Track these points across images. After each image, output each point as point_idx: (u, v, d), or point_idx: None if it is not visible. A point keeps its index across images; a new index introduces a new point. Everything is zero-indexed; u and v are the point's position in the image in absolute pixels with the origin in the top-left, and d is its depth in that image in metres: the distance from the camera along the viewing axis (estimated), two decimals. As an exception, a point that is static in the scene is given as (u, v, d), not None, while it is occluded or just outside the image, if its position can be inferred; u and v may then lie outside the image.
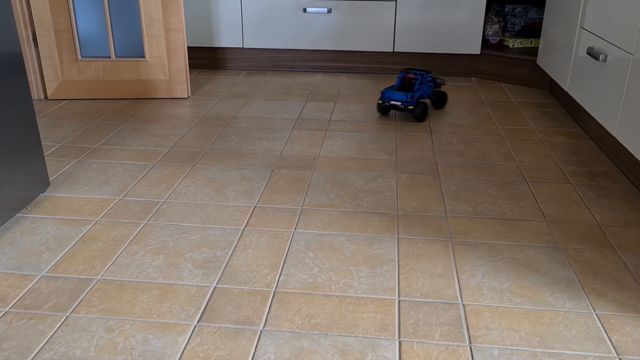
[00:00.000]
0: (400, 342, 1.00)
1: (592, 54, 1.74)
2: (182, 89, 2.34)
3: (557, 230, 1.38)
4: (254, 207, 1.47)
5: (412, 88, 2.13)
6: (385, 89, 2.14)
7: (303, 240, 1.33)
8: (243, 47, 2.76)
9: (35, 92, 2.30)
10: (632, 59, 1.50)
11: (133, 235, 1.34)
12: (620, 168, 1.72)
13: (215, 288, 1.15)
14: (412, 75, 2.14)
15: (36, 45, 2.24)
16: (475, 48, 2.64)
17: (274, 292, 1.14)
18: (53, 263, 1.23)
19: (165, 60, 2.29)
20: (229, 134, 1.97)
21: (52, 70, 2.27)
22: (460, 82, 2.64)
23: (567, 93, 2.16)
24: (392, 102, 2.11)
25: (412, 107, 2.08)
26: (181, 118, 2.13)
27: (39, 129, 1.99)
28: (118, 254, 1.26)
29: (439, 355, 0.98)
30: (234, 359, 0.96)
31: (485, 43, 2.70)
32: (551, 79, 2.47)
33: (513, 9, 2.72)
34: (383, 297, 1.13)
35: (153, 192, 1.55)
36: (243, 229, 1.37)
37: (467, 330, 1.04)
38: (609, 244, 1.32)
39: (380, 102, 2.13)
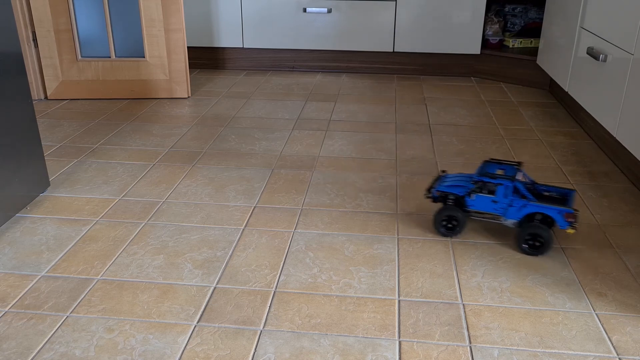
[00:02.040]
0: (400, 342, 1.00)
1: (592, 54, 1.74)
2: (182, 89, 2.34)
3: (557, 230, 1.38)
4: (254, 207, 1.47)
5: (536, 189, 1.34)
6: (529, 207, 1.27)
7: (303, 240, 1.32)
8: (243, 47, 2.76)
9: (35, 92, 2.30)
10: (632, 59, 1.50)
11: (133, 235, 1.34)
12: (620, 168, 1.72)
13: (215, 288, 1.15)
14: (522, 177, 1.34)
15: (36, 45, 2.24)
16: (475, 48, 2.64)
17: (274, 292, 1.14)
18: (53, 263, 1.23)
19: (165, 60, 2.29)
20: (229, 134, 1.97)
21: (52, 70, 2.27)
22: (460, 82, 2.64)
23: (567, 93, 2.16)
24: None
25: None
26: (181, 118, 2.13)
27: (39, 129, 1.99)
28: (118, 254, 1.26)
29: (439, 355, 0.98)
30: (234, 359, 0.96)
31: (485, 43, 2.70)
32: (551, 79, 2.47)
33: (513, 9, 2.72)
34: (383, 297, 1.13)
35: (153, 192, 1.55)
36: (243, 229, 1.37)
37: (467, 330, 1.04)
38: (609, 244, 1.32)
39: (571, 230, 1.26)
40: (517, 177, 1.29)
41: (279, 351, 0.98)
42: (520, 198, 1.27)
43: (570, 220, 1.24)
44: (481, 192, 1.30)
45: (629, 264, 1.24)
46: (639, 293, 1.15)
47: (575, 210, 1.24)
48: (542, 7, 2.68)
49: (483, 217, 1.33)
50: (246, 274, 1.20)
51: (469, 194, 1.30)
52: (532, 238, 1.26)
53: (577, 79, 1.93)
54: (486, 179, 1.29)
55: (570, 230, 1.25)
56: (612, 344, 1.01)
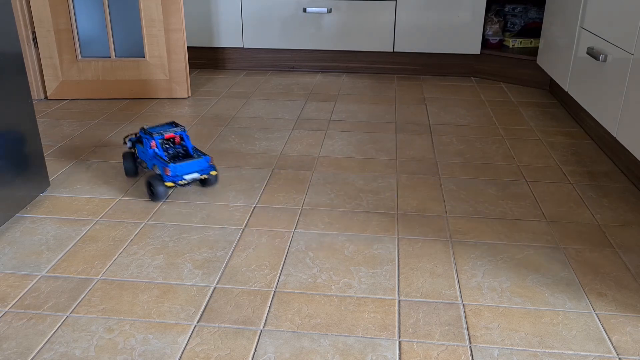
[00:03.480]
0: (400, 342, 1.00)
1: (592, 54, 1.74)
2: (182, 89, 2.34)
3: (557, 230, 1.38)
4: (254, 207, 1.47)
5: (188, 150, 1.56)
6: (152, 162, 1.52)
7: (303, 240, 1.33)
8: (243, 47, 2.76)
9: (35, 92, 2.30)
10: (632, 59, 1.50)
11: (133, 235, 1.34)
12: (620, 168, 1.72)
13: (215, 288, 1.15)
14: (172, 134, 1.54)
15: (36, 45, 2.24)
16: (475, 48, 2.64)
17: (274, 292, 1.14)
18: (53, 263, 1.23)
19: (165, 60, 2.29)
20: (229, 134, 1.97)
21: (52, 70, 2.27)
22: (460, 82, 2.64)
23: (567, 93, 2.16)
24: (189, 179, 1.50)
25: (215, 172, 1.54)
26: (181, 118, 2.13)
27: (39, 129, 1.99)
28: (118, 254, 1.26)
29: (439, 355, 0.98)
30: (234, 359, 0.96)
31: (485, 43, 2.70)
32: (551, 79, 2.47)
33: (513, 9, 2.72)
34: (383, 297, 1.13)
35: (153, 192, 1.55)
36: (243, 229, 1.37)
37: (467, 330, 1.04)
38: (609, 244, 1.32)
39: (170, 184, 1.47)
40: (167, 134, 1.53)
41: (279, 351, 0.98)
42: (157, 152, 1.51)
43: (170, 176, 1.46)
44: (136, 143, 1.58)
45: (629, 264, 1.24)
46: (639, 293, 1.15)
47: (214, 166, 1.52)
48: (542, 7, 2.68)
49: (142, 166, 1.59)
50: (246, 274, 1.20)
51: (129, 142, 1.61)
52: (149, 185, 1.49)
53: (577, 79, 1.93)
54: (140, 133, 1.56)
55: (169, 184, 1.47)
56: (612, 344, 1.01)
